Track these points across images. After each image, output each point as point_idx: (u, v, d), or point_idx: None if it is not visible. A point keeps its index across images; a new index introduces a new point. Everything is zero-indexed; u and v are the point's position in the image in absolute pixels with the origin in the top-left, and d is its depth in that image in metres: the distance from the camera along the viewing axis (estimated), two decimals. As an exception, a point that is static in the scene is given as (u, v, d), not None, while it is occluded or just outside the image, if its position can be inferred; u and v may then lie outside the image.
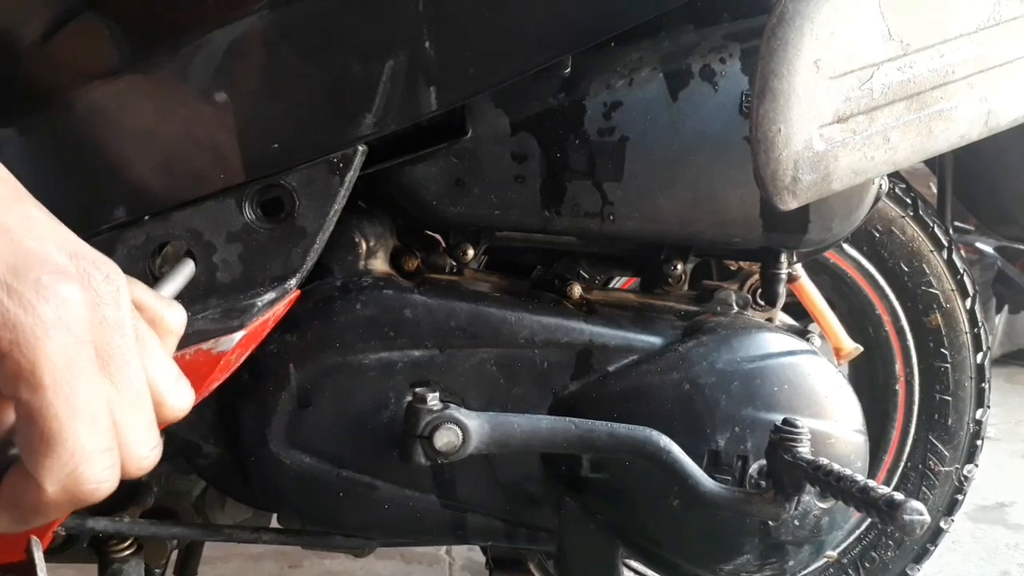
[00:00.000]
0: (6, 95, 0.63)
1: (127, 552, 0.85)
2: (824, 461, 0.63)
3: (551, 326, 0.76)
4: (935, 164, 1.33)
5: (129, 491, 0.83)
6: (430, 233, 0.85)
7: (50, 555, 0.83)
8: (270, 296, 0.65)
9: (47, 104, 0.63)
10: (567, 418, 0.69)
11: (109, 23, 0.63)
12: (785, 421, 0.67)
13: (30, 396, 0.34)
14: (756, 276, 0.89)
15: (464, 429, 0.66)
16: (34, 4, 0.62)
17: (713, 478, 0.69)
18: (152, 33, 0.63)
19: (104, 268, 0.38)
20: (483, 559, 1.30)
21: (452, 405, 0.68)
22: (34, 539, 0.67)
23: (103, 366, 0.36)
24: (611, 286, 1.18)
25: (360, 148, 0.65)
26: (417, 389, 0.68)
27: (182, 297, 0.47)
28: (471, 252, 0.82)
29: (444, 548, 1.93)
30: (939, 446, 1.32)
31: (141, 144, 0.63)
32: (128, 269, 0.40)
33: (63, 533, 0.82)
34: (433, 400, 0.67)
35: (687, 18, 0.75)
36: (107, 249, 0.40)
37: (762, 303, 0.88)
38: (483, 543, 0.87)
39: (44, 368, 0.33)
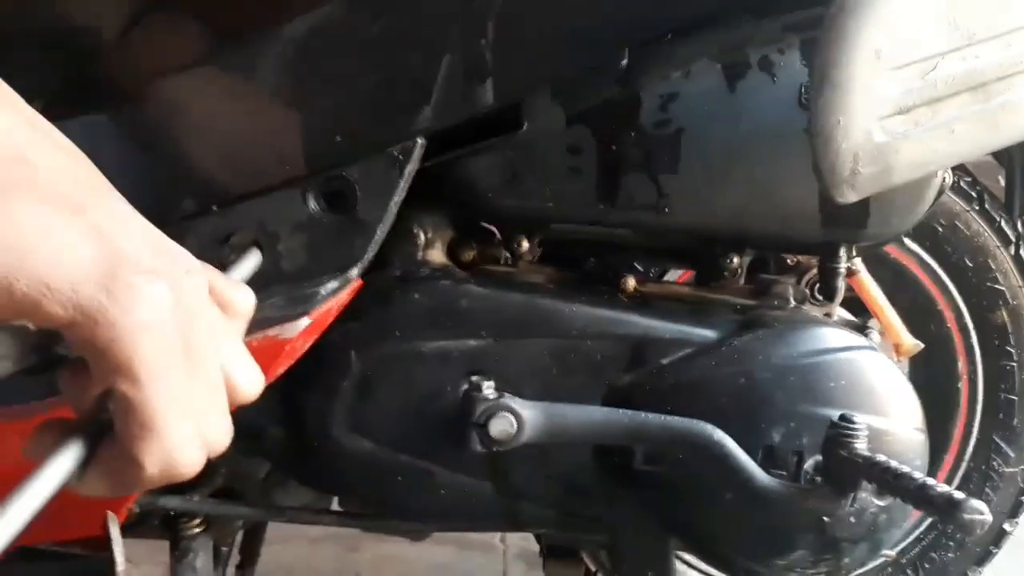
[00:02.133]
0: (87, 89, 0.66)
1: (197, 530, 0.88)
2: (881, 458, 0.62)
3: (604, 318, 0.76)
4: (1003, 157, 1.29)
5: (199, 471, 0.86)
6: (486, 225, 0.86)
7: (123, 531, 0.87)
8: (333, 285, 0.67)
9: (123, 98, 0.66)
10: (620, 410, 0.70)
11: (181, 20, 0.66)
12: (842, 417, 0.66)
13: (128, 389, 0.36)
14: (814, 270, 0.88)
15: (518, 418, 0.67)
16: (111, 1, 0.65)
17: (767, 473, 0.69)
18: (222, 29, 0.65)
19: (185, 262, 0.39)
20: (537, 548, 1.31)
21: (507, 394, 0.69)
22: (111, 515, 0.71)
23: (186, 357, 0.38)
24: (666, 279, 1.18)
25: (419, 141, 0.66)
26: (473, 378, 0.70)
27: (249, 285, 0.48)
28: (526, 244, 0.83)
29: (499, 536, 1.95)
30: (1004, 446, 1.28)
31: (211, 137, 0.65)
32: (198, 258, 0.42)
33: (136, 510, 0.86)
34: (488, 389, 0.68)
35: (745, 9, 0.74)
36: (178, 239, 0.42)
37: (820, 298, 0.87)
38: (536, 531, 0.88)
39: (140, 364, 0.35)
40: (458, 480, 0.77)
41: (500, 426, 0.67)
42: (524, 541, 1.92)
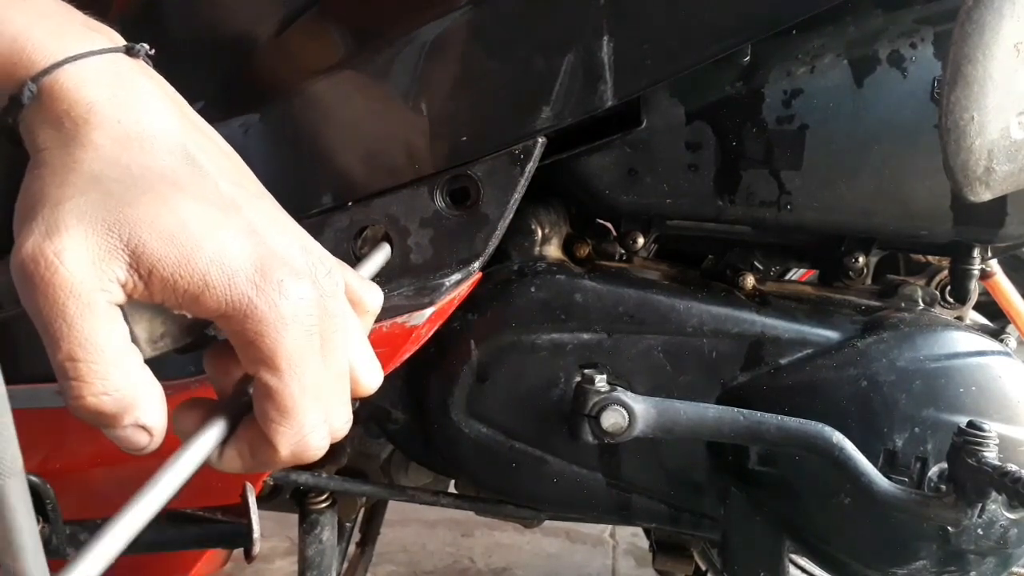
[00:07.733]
0: (239, 92, 0.71)
1: (323, 505, 0.94)
2: (1013, 468, 0.60)
3: (721, 316, 0.76)
4: None
5: (325, 453, 0.92)
6: (601, 221, 0.88)
7: (258, 503, 0.94)
8: (456, 277, 0.69)
9: (271, 100, 0.70)
10: (735, 408, 0.69)
11: (325, 26, 0.70)
12: (970, 424, 0.64)
13: (269, 377, 0.39)
14: (945, 271, 0.85)
15: (630, 412, 0.68)
16: (263, 7, 0.71)
17: (888, 478, 0.67)
18: (361, 35, 0.69)
19: (327, 263, 0.42)
20: (646, 544, 1.32)
21: (619, 388, 0.70)
22: (248, 486, 0.77)
23: (322, 350, 0.40)
24: (787, 278, 1.15)
25: (540, 140, 0.68)
26: (586, 370, 0.71)
27: (381, 276, 0.52)
28: (641, 240, 0.83)
29: (608, 531, 1.96)
30: None
31: (349, 137, 0.69)
32: (333, 249, 0.45)
33: (271, 483, 0.92)
34: (601, 382, 0.69)
35: (875, 2, 0.72)
36: (315, 231, 0.45)
37: (951, 300, 0.84)
38: (646, 525, 0.89)
39: (282, 356, 0.38)
40: (570, 470, 0.78)
41: (612, 419, 0.68)
42: (634, 537, 1.92)
